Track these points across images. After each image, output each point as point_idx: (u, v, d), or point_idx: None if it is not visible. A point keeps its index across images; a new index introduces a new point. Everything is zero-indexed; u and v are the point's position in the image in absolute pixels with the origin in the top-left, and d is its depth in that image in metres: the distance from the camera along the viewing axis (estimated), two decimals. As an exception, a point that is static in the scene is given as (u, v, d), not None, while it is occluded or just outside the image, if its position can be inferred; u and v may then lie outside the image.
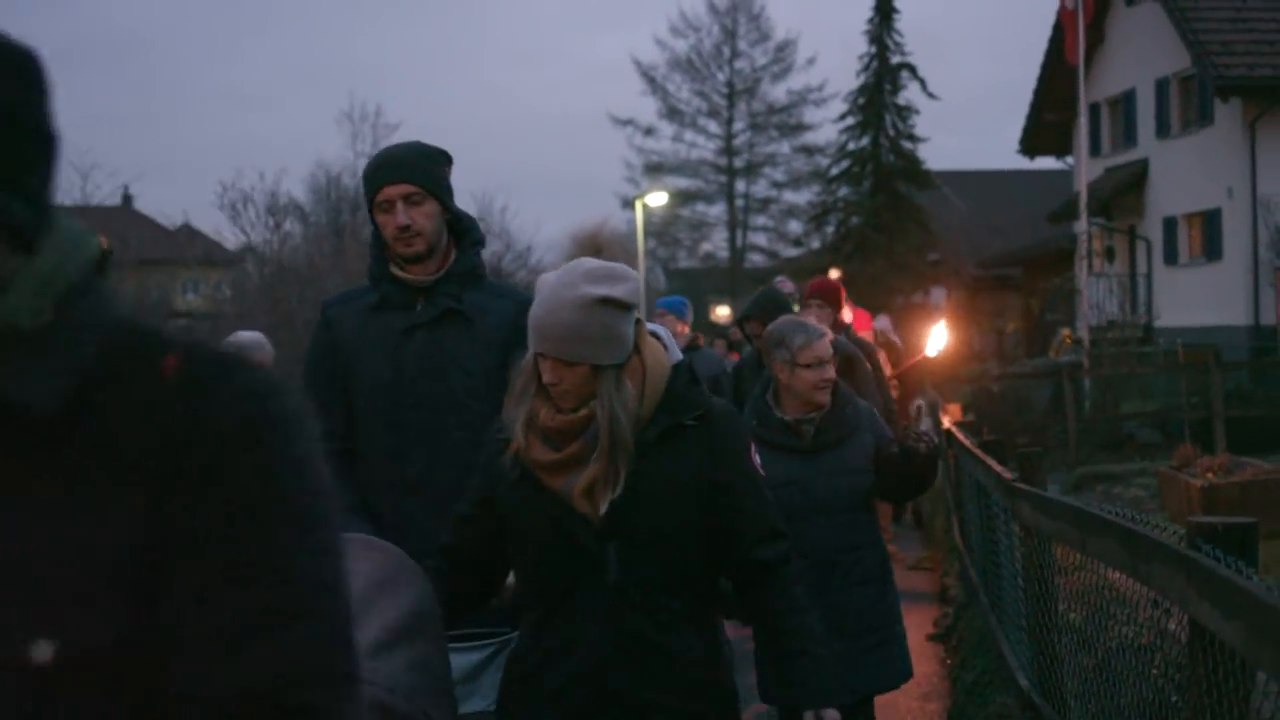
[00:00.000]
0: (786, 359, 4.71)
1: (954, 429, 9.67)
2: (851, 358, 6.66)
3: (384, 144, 48.44)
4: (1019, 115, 31.56)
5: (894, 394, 8.64)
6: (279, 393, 1.25)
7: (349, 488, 3.64)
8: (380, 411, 3.67)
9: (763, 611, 3.08)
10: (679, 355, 3.22)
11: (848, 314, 8.55)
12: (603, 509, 2.91)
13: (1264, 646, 2.29)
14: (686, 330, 9.08)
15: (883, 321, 10.49)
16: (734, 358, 11.50)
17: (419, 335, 3.67)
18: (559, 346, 2.88)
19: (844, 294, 6.87)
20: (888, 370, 8.64)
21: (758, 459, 3.20)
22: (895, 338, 10.70)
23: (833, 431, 4.74)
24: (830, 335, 5.02)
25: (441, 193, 3.69)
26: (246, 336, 6.11)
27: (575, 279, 2.92)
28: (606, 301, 2.89)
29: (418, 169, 3.66)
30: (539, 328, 2.93)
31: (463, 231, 3.78)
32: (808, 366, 4.66)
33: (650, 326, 3.17)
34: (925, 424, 10.62)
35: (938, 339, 9.01)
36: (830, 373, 4.72)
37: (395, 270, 3.72)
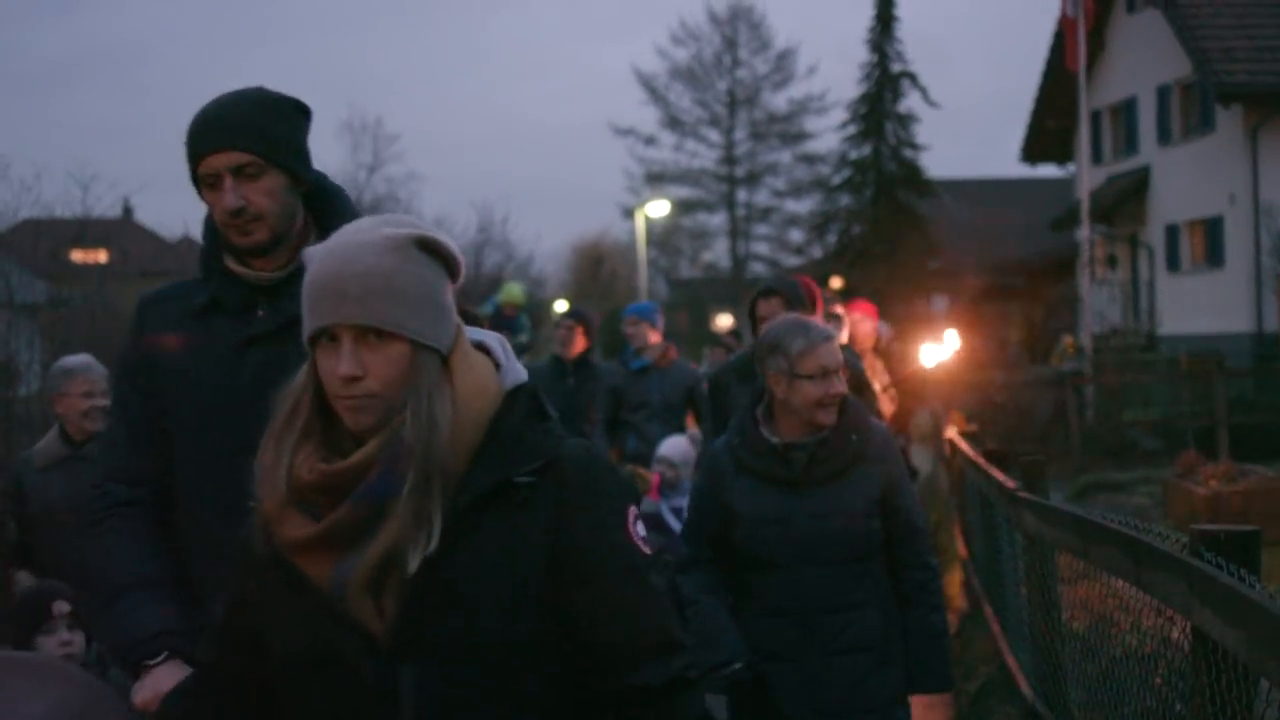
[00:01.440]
0: (783, 368, 3.84)
1: (957, 438, 9.65)
2: (861, 378, 5.87)
3: (385, 154, 48.48)
4: (1020, 123, 31.65)
5: (891, 405, 8.39)
6: None
7: (155, 553, 2.79)
8: (205, 449, 2.76)
9: None
10: (520, 373, 2.10)
11: (839, 310, 8.04)
12: (391, 613, 1.90)
13: (1267, 654, 2.28)
14: (658, 339, 8.52)
15: (881, 329, 10.31)
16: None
17: (258, 350, 2.77)
18: (362, 307, 1.90)
19: (819, 295, 5.65)
20: (886, 380, 8.51)
21: (641, 529, 2.05)
22: (894, 346, 10.44)
23: (831, 461, 3.88)
24: (840, 339, 4.34)
25: (290, 160, 2.76)
26: (74, 361, 5.71)
27: (375, 224, 2.01)
28: (424, 245, 1.97)
29: (251, 128, 2.72)
30: (324, 287, 1.92)
31: (325, 209, 2.85)
32: (809, 378, 3.80)
33: (475, 333, 2.12)
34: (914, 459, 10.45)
35: (939, 351, 8.84)
36: (838, 386, 3.85)
37: (230, 264, 2.82)
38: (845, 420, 3.91)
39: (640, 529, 2.06)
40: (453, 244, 2.02)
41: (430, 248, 1.97)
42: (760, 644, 3.84)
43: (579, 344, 8.41)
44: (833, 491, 3.85)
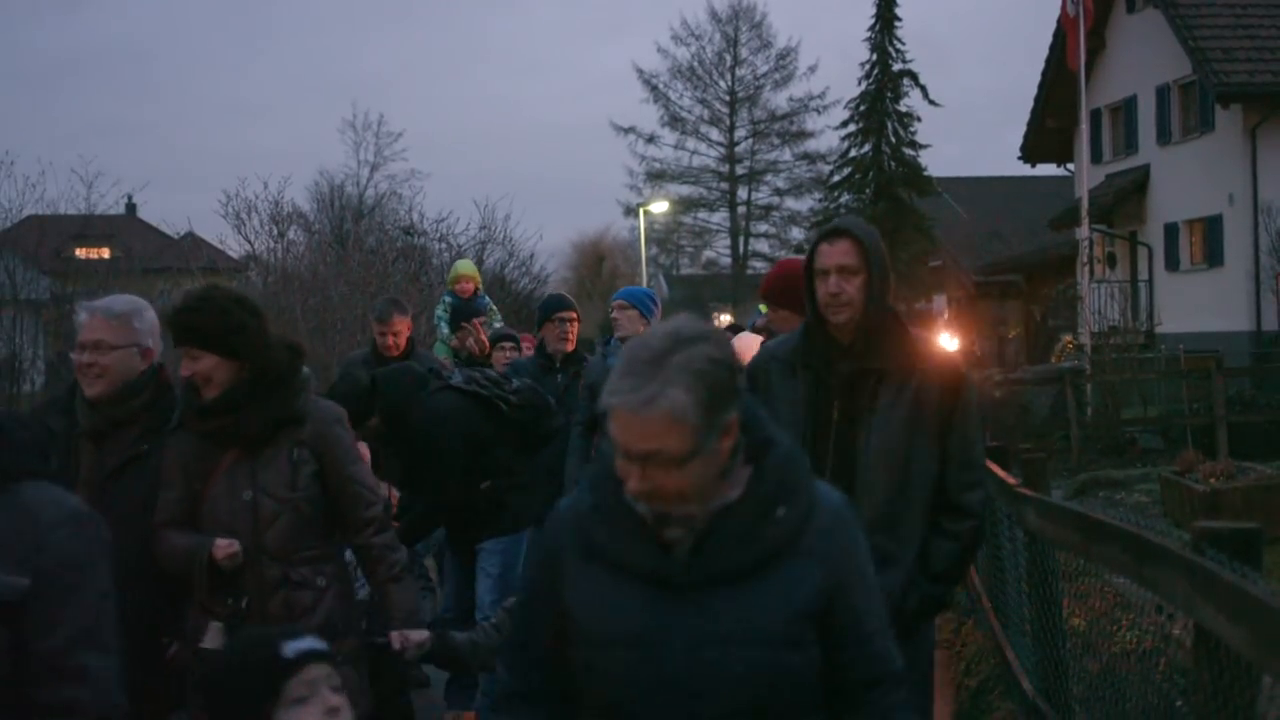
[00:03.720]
0: None
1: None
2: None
3: (387, 152, 48.38)
4: (1020, 122, 31.60)
5: None
6: None
7: None
8: None
9: None
10: None
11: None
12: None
13: (1269, 651, 2.31)
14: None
15: None
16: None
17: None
18: None
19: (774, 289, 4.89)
20: None
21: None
22: None
23: (733, 549, 2.38)
24: (750, 345, 4.23)
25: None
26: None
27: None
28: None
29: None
30: None
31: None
32: None
33: None
34: None
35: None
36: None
37: None
38: (767, 477, 2.42)
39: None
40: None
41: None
42: None
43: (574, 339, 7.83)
44: (740, 598, 2.37)
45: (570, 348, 7.71)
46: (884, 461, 3.84)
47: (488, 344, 8.75)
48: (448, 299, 10.37)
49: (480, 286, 10.58)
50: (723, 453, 2.35)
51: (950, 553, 3.91)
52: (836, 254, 3.89)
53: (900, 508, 3.86)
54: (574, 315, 7.78)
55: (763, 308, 5.33)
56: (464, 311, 9.96)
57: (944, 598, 4.10)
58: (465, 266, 11.03)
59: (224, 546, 3.94)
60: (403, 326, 7.98)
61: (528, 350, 8.45)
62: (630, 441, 2.28)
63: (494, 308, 10.69)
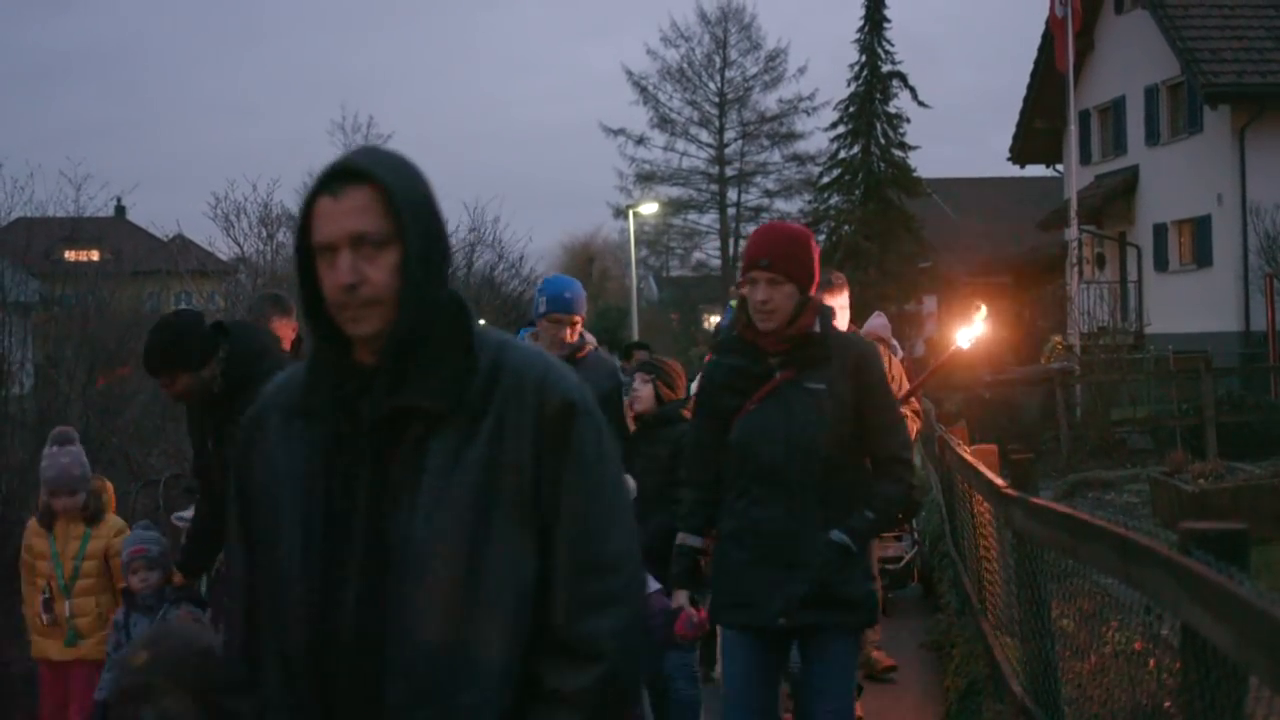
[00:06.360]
0: None
1: (947, 435, 9.69)
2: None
3: (375, 154, 48.65)
4: (1009, 123, 31.75)
5: (916, 423, 7.43)
6: None
7: None
8: None
9: None
10: None
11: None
12: None
13: (1256, 650, 2.31)
14: (578, 332, 6.04)
15: (876, 320, 9.53)
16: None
17: None
18: None
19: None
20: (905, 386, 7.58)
21: None
22: (893, 341, 9.55)
23: None
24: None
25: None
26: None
27: None
28: None
29: None
30: None
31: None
32: None
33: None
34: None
35: (971, 329, 7.64)
36: None
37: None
38: None
39: None
40: None
41: None
42: None
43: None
44: None
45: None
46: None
47: None
48: None
49: None
50: None
51: None
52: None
53: None
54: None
55: (734, 303, 5.19)
56: None
57: None
58: None
59: None
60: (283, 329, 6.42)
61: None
62: None
63: None
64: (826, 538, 4.17)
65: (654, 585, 4.56)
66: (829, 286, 5.31)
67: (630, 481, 3.59)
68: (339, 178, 2.16)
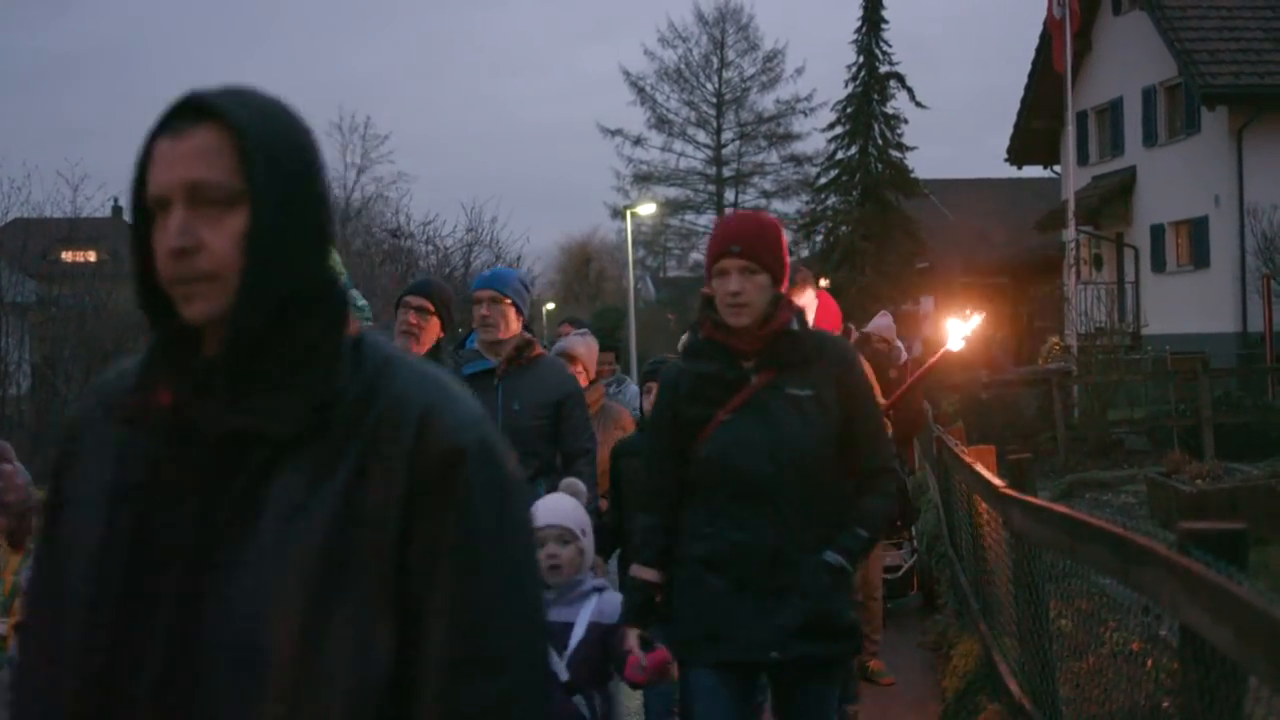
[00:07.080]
0: None
1: (944, 436, 9.69)
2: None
3: (373, 154, 48.34)
4: (1006, 124, 31.68)
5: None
6: None
7: None
8: None
9: None
10: None
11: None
12: None
13: (1255, 650, 2.31)
14: (519, 327, 5.56)
15: (882, 320, 9.52)
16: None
17: None
18: None
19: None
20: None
21: None
22: (898, 342, 9.37)
23: None
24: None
25: None
26: None
27: None
28: None
29: None
30: None
31: None
32: None
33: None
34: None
35: (963, 327, 7.81)
36: None
37: None
38: None
39: None
40: None
41: None
42: None
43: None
44: None
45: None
46: None
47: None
48: None
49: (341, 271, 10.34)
50: None
51: None
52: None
53: None
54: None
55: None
56: None
57: None
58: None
59: None
60: None
61: None
62: None
63: (359, 298, 10.16)
64: (820, 559, 3.77)
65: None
66: (793, 283, 4.74)
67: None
68: (182, 114, 1.64)
